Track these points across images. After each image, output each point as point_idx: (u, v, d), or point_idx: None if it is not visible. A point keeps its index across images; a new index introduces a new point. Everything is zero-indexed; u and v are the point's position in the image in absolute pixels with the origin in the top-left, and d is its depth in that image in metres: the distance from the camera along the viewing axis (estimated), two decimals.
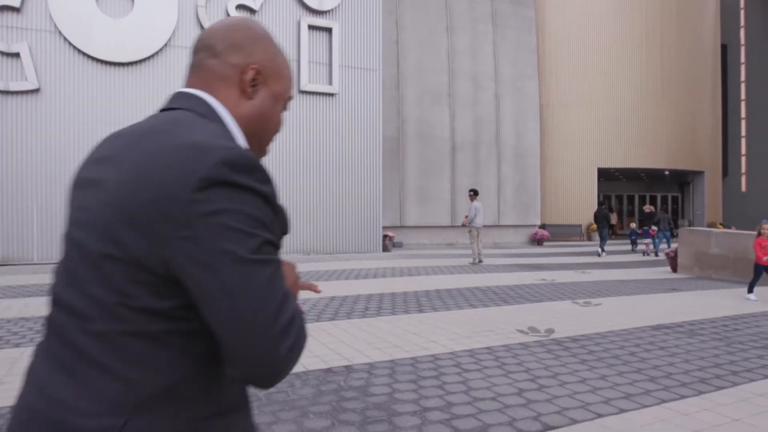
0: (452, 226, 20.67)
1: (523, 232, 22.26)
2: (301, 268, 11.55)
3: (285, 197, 15.25)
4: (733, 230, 21.18)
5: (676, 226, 28.65)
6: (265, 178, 0.82)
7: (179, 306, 0.81)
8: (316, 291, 1.11)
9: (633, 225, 21.33)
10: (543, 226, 23.86)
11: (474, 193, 14.00)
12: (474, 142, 21.08)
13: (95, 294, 0.81)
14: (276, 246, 0.83)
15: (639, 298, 8.23)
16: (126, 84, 13.91)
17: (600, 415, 3.43)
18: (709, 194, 28.72)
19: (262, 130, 0.99)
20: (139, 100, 13.85)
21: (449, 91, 20.72)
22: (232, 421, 0.88)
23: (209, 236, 0.76)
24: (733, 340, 5.47)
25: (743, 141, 35.43)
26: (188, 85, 0.97)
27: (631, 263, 14.37)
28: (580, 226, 24.81)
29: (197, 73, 0.97)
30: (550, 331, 5.87)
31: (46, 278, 9.79)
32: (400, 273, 11.23)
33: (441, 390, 3.91)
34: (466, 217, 14.04)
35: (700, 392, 3.87)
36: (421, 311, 6.97)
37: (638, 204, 32.15)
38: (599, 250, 16.83)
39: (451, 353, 4.92)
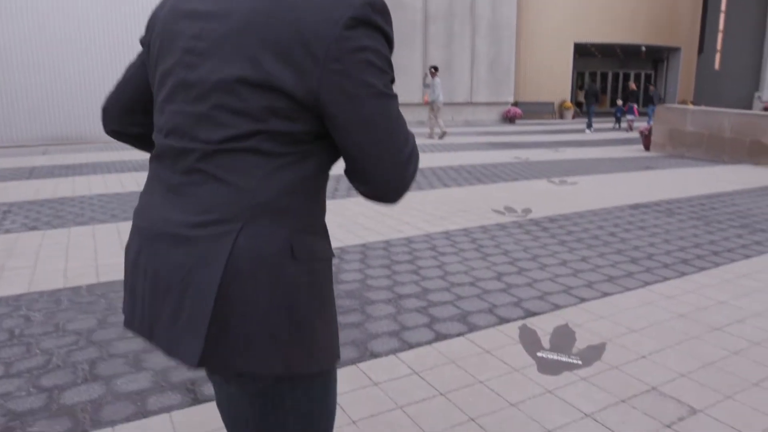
0: (423, 104, 19.99)
1: (495, 109, 21.75)
2: None
3: None
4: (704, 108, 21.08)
5: (652, 103, 28.46)
6: (390, 21, 0.89)
7: (304, 131, 0.87)
8: None
9: (619, 102, 21.46)
10: (516, 104, 23.36)
11: (435, 70, 14.12)
12: (447, 13, 19.78)
13: (226, 120, 0.86)
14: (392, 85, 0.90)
15: (614, 176, 8.08)
16: None
17: (583, 299, 3.27)
18: (683, 72, 28.28)
19: None
20: None
21: None
22: (318, 241, 0.96)
23: (356, 70, 0.84)
24: (711, 219, 5.37)
25: (722, 16, 34.39)
26: None
27: (606, 141, 14.22)
28: (552, 103, 24.37)
29: None
30: (527, 210, 5.67)
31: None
32: None
33: (416, 275, 3.69)
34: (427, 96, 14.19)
35: (683, 273, 3.75)
36: None
37: (611, 82, 31.62)
38: (586, 127, 17.60)
39: (426, 235, 4.69)
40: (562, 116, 24.68)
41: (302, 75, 0.83)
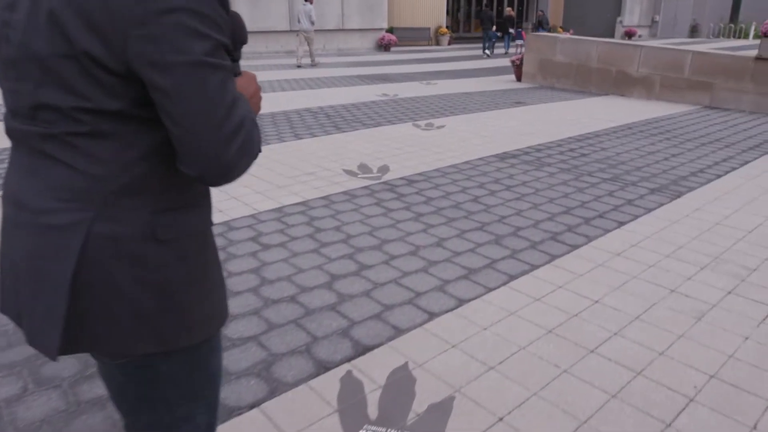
0: (291, 31, 18.28)
1: (369, 36, 20.51)
2: None
3: None
4: (571, 34, 21.36)
5: (542, 28, 28.49)
6: None
7: (136, 106, 0.81)
8: None
9: (494, 28, 20.98)
10: (390, 30, 22.22)
11: None
12: None
13: (50, 99, 0.81)
14: (228, 50, 0.81)
15: (483, 116, 7.47)
16: None
17: (432, 315, 2.52)
18: None
19: None
20: None
21: None
22: (186, 216, 0.91)
23: (164, 36, 0.74)
24: (582, 171, 4.87)
25: None
26: None
27: (479, 70, 13.70)
28: (428, 29, 23.53)
29: None
30: (384, 169, 4.85)
31: None
32: None
33: (225, 272, 2.75)
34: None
35: (553, 257, 3.13)
36: None
37: (483, 6, 31.24)
38: (486, 51, 18.54)
39: (252, 217, 3.72)
40: (438, 42, 24.00)
41: (109, 44, 0.76)
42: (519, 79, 11.54)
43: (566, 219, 3.69)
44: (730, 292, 2.71)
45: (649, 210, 3.86)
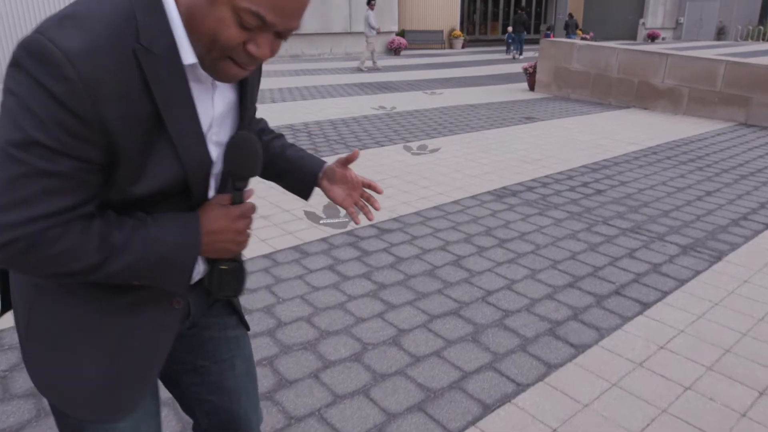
0: (296, 35, 17.54)
1: (378, 39, 19.67)
2: None
3: None
4: (590, 40, 20.38)
5: (538, 32, 27.56)
6: (59, 74, 0.69)
7: None
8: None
9: (509, 29, 20.91)
10: (401, 33, 21.38)
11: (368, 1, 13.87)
12: None
13: None
14: (55, 151, 0.72)
15: (486, 135, 6.59)
16: None
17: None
18: None
19: (198, 33, 0.77)
20: None
21: None
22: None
23: None
24: (596, 218, 3.99)
25: None
26: None
27: (491, 77, 12.79)
28: (441, 32, 22.62)
29: None
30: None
31: None
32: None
33: None
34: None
35: (548, 369, 2.27)
36: None
37: (503, 6, 30.24)
38: (515, 53, 18.95)
39: None
40: (451, 45, 23.09)
41: None
42: (532, 88, 10.62)
43: (571, 297, 2.81)
44: None
45: (682, 282, 2.97)
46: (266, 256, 3.27)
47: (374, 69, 14.39)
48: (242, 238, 0.89)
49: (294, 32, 0.80)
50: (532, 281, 2.97)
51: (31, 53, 0.69)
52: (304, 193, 1.17)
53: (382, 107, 8.50)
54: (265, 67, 14.88)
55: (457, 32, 23.10)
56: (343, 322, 2.57)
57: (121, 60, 0.73)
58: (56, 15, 0.73)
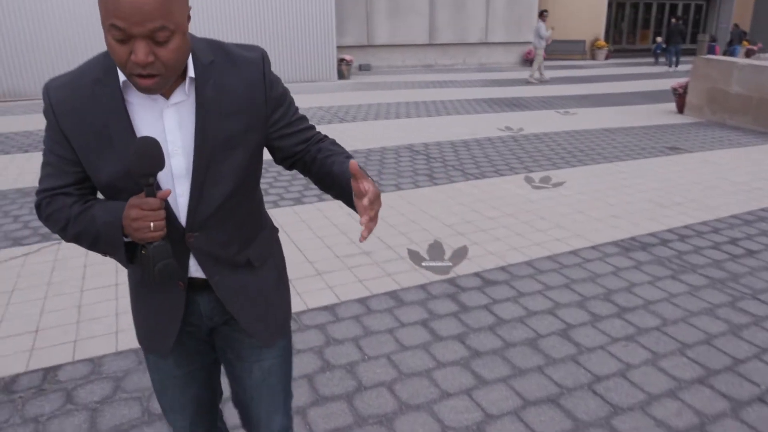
0: (430, 44, 17.51)
1: (514, 50, 19.04)
2: None
3: (210, 18, 12.27)
4: (758, 51, 18.10)
5: (694, 41, 25.11)
6: (47, 97, 1.11)
7: None
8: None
9: (659, 39, 19.85)
10: None
11: (540, 14, 14.07)
12: None
13: None
14: (49, 150, 1.14)
15: (620, 168, 5.99)
16: None
17: None
18: (739, 3, 24.52)
19: (117, 63, 1.02)
20: None
21: None
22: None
23: None
24: (744, 288, 3.39)
25: None
26: None
27: (634, 96, 11.78)
28: (583, 42, 21.37)
29: None
30: (460, 254, 3.78)
31: None
32: (345, 114, 8.83)
33: None
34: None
35: None
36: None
37: (655, 14, 27.92)
38: (673, 65, 18.18)
39: None
40: (594, 56, 21.74)
41: None
42: (681, 110, 9.58)
43: (700, 398, 2.35)
44: None
45: None
46: (360, 301, 3.15)
47: (543, 81, 14.11)
48: (136, 225, 1.05)
49: (162, 33, 0.96)
50: (653, 369, 2.55)
51: (44, 88, 1.12)
52: (349, 204, 1.22)
53: (509, 128, 8.12)
54: (397, 78, 15.02)
55: (601, 42, 21.68)
56: (427, 395, 2.37)
57: (81, 90, 1.08)
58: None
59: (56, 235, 4.01)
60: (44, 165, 1.16)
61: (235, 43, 1.20)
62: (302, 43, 13.40)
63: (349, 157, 1.25)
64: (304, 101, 10.52)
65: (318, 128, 7.85)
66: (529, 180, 5.55)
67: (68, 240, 1.17)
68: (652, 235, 4.15)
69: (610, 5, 24.60)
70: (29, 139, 7.42)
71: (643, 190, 5.22)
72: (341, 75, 14.25)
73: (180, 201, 1.15)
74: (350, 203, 1.19)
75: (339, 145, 1.31)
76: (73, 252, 3.85)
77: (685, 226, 4.32)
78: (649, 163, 6.23)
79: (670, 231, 4.23)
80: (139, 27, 0.94)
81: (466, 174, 5.75)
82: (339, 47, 15.28)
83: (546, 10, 14.18)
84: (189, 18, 1.05)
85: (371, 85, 13.38)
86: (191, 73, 1.09)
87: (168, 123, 1.10)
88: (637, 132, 7.92)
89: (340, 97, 11.12)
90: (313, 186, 5.20)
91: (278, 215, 4.57)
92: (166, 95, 1.09)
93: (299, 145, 1.28)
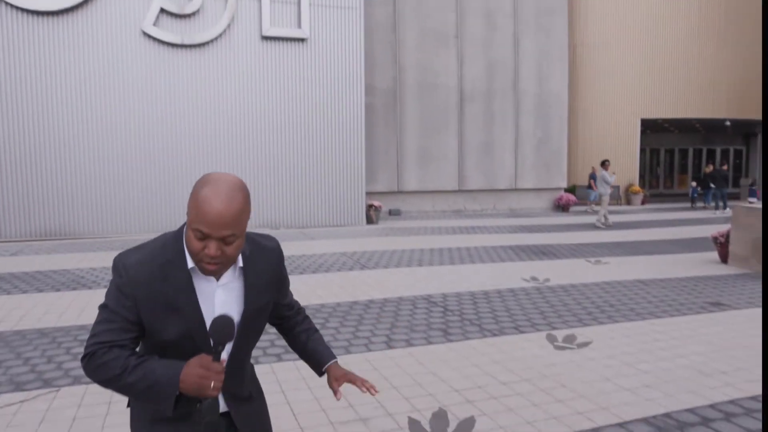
0: (459, 191, 17.82)
1: (545, 196, 19.16)
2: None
3: (242, 161, 12.90)
4: None
5: (737, 185, 24.93)
6: (120, 274, 1.38)
7: None
8: None
9: (694, 183, 21.61)
10: (572, 189, 20.67)
11: (602, 163, 14.83)
12: (486, 91, 17.88)
13: None
14: (113, 311, 1.38)
15: (654, 327, 5.44)
16: (58, 36, 11.55)
17: None
18: None
19: (188, 249, 1.38)
20: (74, 55, 11.62)
21: (457, 32, 17.46)
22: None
23: None
24: None
25: None
26: None
27: (673, 243, 11.35)
28: (617, 187, 21.44)
29: None
30: (464, 429, 3.27)
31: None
32: (367, 261, 8.67)
33: None
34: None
35: None
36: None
37: (692, 159, 28.21)
38: (722, 209, 18.54)
39: None
40: (629, 202, 21.67)
41: None
42: (724, 260, 9.05)
43: None
44: None
45: None
46: None
47: (608, 225, 14.32)
48: (201, 383, 1.31)
49: (231, 238, 1.34)
50: None
51: (115, 264, 1.41)
52: (317, 373, 1.76)
53: (534, 278, 7.74)
54: (426, 223, 15.11)
55: (636, 187, 21.72)
56: None
57: (153, 269, 1.39)
58: (125, 251, 1.44)
59: (60, 382, 3.95)
60: (104, 321, 1.37)
61: (255, 232, 1.57)
62: (332, 190, 13.80)
63: (316, 331, 1.81)
64: (328, 246, 10.51)
65: (338, 274, 7.70)
66: (551, 338, 5.06)
67: (114, 386, 1.36)
68: (691, 411, 3.55)
69: (643, 150, 25.06)
70: (64, 277, 7.51)
71: (681, 355, 4.65)
72: (369, 220, 14.43)
73: (222, 357, 1.44)
74: (314, 370, 1.77)
75: (310, 321, 1.84)
76: (67, 402, 3.65)
77: (732, 401, 3.71)
78: (689, 321, 5.67)
79: (713, 407, 3.62)
80: (216, 233, 1.31)
81: (483, 330, 5.32)
82: (369, 193, 15.68)
83: (608, 160, 14.95)
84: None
85: (398, 230, 13.43)
86: (240, 263, 1.47)
87: (218, 299, 1.45)
88: (674, 285, 7.41)
89: (365, 243, 11.09)
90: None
91: (280, 370, 4.22)
92: (217, 277, 1.44)
93: (287, 309, 1.77)
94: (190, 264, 1.40)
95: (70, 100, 11.70)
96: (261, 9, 12.81)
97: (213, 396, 1.32)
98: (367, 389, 1.63)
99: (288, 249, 10.15)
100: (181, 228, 1.44)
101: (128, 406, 1.58)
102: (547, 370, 4.27)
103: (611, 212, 15.16)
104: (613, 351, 4.72)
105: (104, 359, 1.35)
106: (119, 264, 1.39)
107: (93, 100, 11.85)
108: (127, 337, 1.38)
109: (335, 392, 1.65)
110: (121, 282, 1.37)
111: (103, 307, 1.40)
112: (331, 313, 5.91)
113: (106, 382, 1.37)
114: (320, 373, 1.74)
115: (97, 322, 1.39)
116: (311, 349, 1.74)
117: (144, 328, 1.41)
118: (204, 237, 1.32)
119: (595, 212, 15.60)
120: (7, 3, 11.08)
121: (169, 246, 1.42)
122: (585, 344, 4.90)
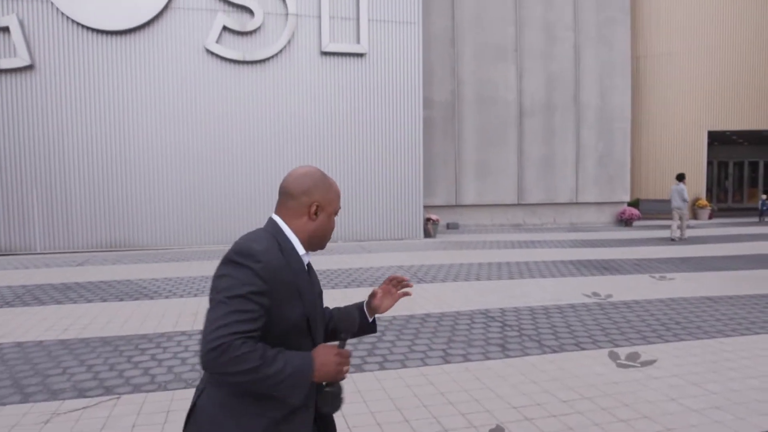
0: (519, 204, 17.64)
1: (607, 210, 18.68)
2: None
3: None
4: None
5: None
6: (257, 260, 1.44)
7: None
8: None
9: (764, 197, 20.77)
10: (636, 203, 20.05)
11: (678, 177, 14.69)
12: (546, 104, 17.69)
13: None
14: (247, 300, 1.40)
15: (723, 346, 5.26)
16: (126, 54, 12.35)
17: None
18: None
19: (322, 236, 1.64)
20: (141, 72, 12.35)
21: (516, 45, 17.40)
22: (250, 404, 1.52)
23: (211, 286, 1.47)
24: None
25: None
26: (276, 212, 1.62)
27: (742, 258, 10.86)
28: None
29: (281, 207, 1.62)
30: None
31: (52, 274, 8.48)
32: (425, 274, 8.75)
33: None
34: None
35: None
36: None
37: (763, 171, 26.80)
38: None
39: None
40: (695, 216, 20.80)
41: None
42: None
43: None
44: None
45: None
46: None
47: (683, 239, 14.41)
48: (340, 368, 1.48)
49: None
50: None
51: (241, 253, 1.45)
52: (362, 323, 1.86)
53: (596, 294, 7.61)
54: (484, 237, 15.04)
55: (703, 201, 20.84)
56: None
57: (279, 255, 1.50)
58: (239, 242, 1.50)
59: (121, 390, 4.16)
60: (235, 311, 1.37)
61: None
62: (390, 203, 13.97)
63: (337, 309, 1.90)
64: (386, 260, 10.66)
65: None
66: (613, 356, 4.99)
67: (247, 377, 1.36)
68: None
69: (710, 163, 24.04)
70: (127, 287, 7.95)
71: (752, 375, 4.49)
72: (427, 234, 14.51)
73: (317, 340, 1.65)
74: (358, 323, 1.73)
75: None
76: (127, 410, 3.83)
77: None
78: (761, 341, 5.45)
79: None
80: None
81: (543, 346, 5.30)
82: (427, 206, 15.77)
83: (684, 173, 14.78)
84: None
85: (456, 244, 13.43)
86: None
87: (314, 280, 1.68)
88: (744, 302, 7.11)
89: (422, 256, 11.18)
90: (378, 352, 4.98)
91: None
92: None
93: None
94: (302, 251, 1.58)
95: (138, 116, 12.42)
96: (321, 25, 13.22)
97: (343, 379, 1.52)
98: (404, 286, 1.90)
99: (345, 262, 10.37)
100: (271, 223, 1.59)
101: (189, 414, 1.54)
102: (609, 389, 4.23)
103: (678, 227, 14.58)
104: (679, 370, 4.62)
105: (241, 351, 1.34)
106: (251, 251, 1.44)
107: (160, 115, 12.53)
108: (257, 327, 1.40)
109: (383, 294, 1.88)
110: (258, 267, 1.42)
111: (230, 298, 1.37)
112: (387, 326, 6.02)
113: (239, 374, 1.34)
114: (367, 316, 1.85)
115: (226, 313, 1.36)
116: (339, 312, 1.74)
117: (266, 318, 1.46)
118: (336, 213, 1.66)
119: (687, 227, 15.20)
120: (79, 24, 11.91)
121: (276, 236, 1.54)
122: (649, 362, 4.81)
